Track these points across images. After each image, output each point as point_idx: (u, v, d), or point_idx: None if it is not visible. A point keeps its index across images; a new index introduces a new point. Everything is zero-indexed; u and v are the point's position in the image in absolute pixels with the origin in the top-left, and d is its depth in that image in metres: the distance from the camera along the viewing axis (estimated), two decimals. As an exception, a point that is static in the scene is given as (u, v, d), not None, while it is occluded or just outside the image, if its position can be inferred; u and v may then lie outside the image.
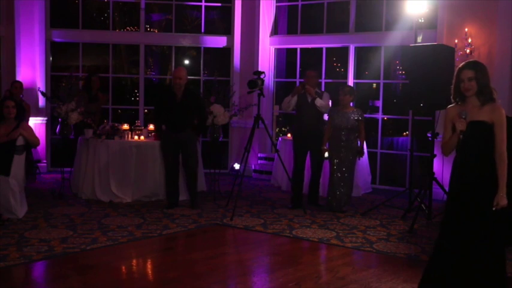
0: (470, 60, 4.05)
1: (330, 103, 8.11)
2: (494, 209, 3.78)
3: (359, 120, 7.38)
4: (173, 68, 10.82)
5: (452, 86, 3.98)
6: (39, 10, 10.09)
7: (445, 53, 7.04)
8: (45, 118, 10.17)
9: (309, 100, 7.59)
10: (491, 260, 3.84)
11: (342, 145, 7.39)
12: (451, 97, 4.00)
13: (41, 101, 9.99)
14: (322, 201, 7.84)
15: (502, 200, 3.80)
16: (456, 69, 3.97)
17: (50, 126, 10.27)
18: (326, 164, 7.99)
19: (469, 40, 8.14)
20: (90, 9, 11.21)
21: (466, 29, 8.17)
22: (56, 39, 10.44)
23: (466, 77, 3.87)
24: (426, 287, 4.00)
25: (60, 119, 8.12)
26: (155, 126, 7.85)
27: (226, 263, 5.48)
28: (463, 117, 3.85)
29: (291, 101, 7.64)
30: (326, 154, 7.45)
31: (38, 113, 9.98)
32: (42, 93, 8.68)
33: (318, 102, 7.54)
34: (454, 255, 3.88)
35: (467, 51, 8.12)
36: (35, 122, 9.76)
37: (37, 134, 7.31)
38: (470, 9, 8.26)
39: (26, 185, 7.12)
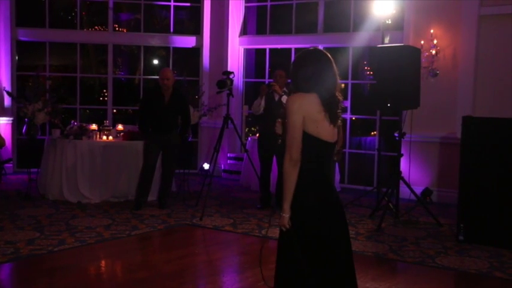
0: None
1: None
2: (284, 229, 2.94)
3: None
4: (142, 68, 10.80)
5: None
6: (5, 8, 9.91)
7: (412, 54, 7.15)
8: (11, 118, 9.99)
9: (276, 99, 7.50)
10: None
11: None
12: None
13: (7, 100, 9.81)
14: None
15: (281, 219, 2.93)
16: None
17: (16, 126, 10.11)
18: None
19: (435, 41, 8.28)
20: (57, 8, 11.06)
21: (432, 31, 8.32)
22: (22, 38, 10.28)
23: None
24: None
25: (26, 119, 8.02)
26: (141, 128, 7.61)
27: (196, 263, 5.49)
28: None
29: (262, 102, 7.55)
30: None
31: (3, 113, 9.81)
32: (7, 92, 8.56)
33: (285, 99, 7.37)
34: None
35: (433, 52, 8.26)
36: (1, 122, 9.60)
37: (3, 135, 7.21)
38: (435, 11, 8.40)
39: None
